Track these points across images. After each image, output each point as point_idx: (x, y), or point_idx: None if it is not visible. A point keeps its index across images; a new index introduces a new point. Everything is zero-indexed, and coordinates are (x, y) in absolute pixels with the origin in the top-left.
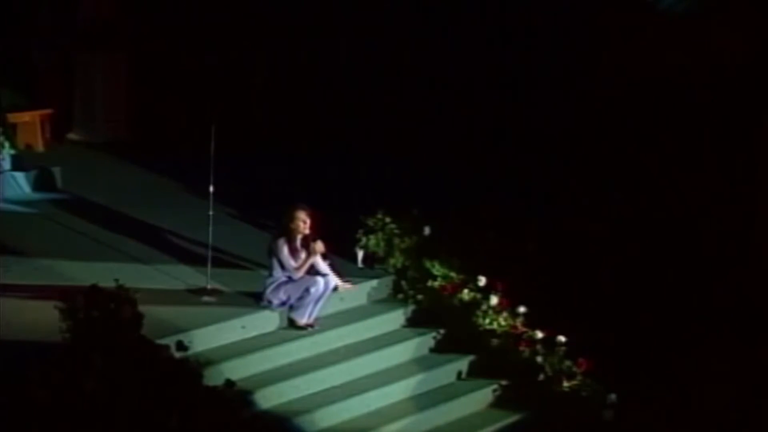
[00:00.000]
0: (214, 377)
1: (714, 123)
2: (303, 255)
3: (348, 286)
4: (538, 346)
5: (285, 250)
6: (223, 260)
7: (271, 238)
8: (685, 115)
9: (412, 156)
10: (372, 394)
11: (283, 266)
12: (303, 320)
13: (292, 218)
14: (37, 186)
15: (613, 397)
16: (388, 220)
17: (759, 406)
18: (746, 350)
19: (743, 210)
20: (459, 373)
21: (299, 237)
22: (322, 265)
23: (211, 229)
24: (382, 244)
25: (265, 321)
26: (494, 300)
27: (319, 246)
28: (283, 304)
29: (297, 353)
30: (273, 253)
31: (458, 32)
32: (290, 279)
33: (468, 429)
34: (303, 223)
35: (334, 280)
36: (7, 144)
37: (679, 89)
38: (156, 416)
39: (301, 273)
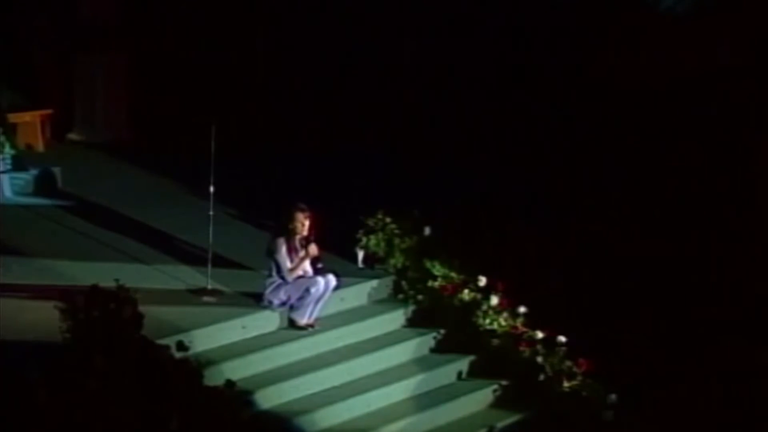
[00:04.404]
0: (214, 377)
1: (714, 122)
2: (301, 255)
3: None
4: (539, 347)
5: (283, 250)
6: (223, 260)
7: (270, 237)
8: (686, 114)
9: (412, 156)
10: (372, 394)
11: (279, 267)
12: (303, 320)
13: (290, 219)
14: (37, 186)
15: (613, 397)
16: (388, 220)
17: (760, 406)
18: (747, 349)
19: (744, 209)
20: (459, 374)
21: (297, 237)
22: (310, 269)
23: (211, 229)
24: (382, 244)
25: (266, 321)
26: (494, 300)
27: (313, 249)
28: (283, 304)
29: (297, 353)
30: (271, 252)
31: (459, 32)
32: (285, 280)
33: (468, 429)
34: (301, 224)
35: (333, 279)
36: (7, 144)
37: (679, 89)
38: (156, 416)
39: (294, 275)
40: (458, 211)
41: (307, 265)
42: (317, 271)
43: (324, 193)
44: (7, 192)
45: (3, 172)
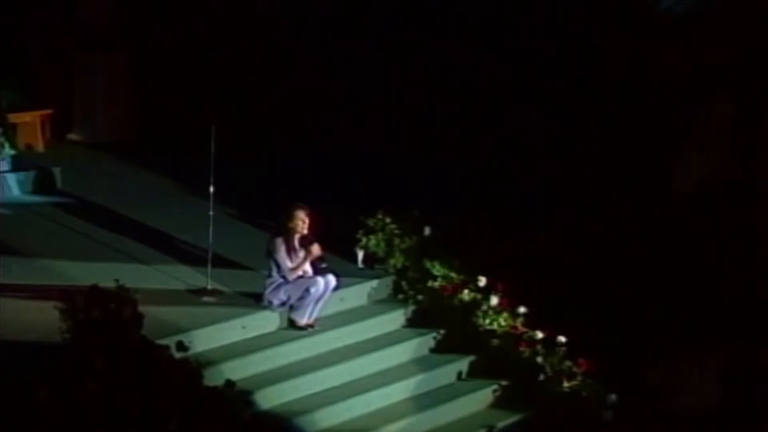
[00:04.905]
0: (214, 377)
1: (714, 122)
2: (301, 255)
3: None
4: (539, 347)
5: (282, 250)
6: (223, 260)
7: (269, 237)
8: (686, 114)
9: (412, 156)
10: (372, 394)
11: (279, 267)
12: (303, 320)
13: (290, 218)
14: (37, 186)
15: (613, 397)
16: (388, 220)
17: (759, 406)
18: (747, 350)
19: (744, 209)
20: (459, 374)
21: (297, 237)
22: (310, 269)
23: (211, 229)
24: (382, 244)
25: (266, 321)
26: (494, 300)
27: (316, 249)
28: (283, 304)
29: (297, 353)
30: (270, 252)
31: (459, 31)
32: (286, 279)
33: (468, 429)
34: (302, 222)
35: (333, 280)
36: (7, 144)
37: (679, 89)
38: (156, 416)
39: (296, 274)
40: (458, 211)
41: (306, 265)
42: (320, 271)
43: (324, 193)
44: (16, 191)
45: (3, 172)
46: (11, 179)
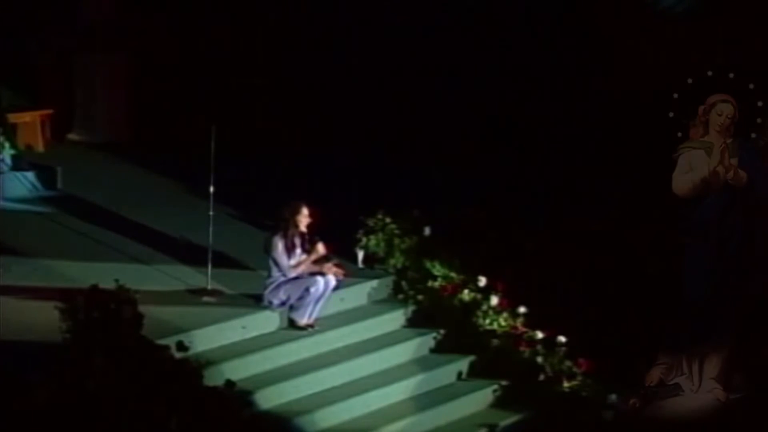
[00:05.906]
0: (214, 377)
1: (714, 122)
2: (299, 252)
3: (337, 269)
4: (539, 347)
5: (280, 247)
6: (223, 260)
7: (266, 236)
8: (685, 114)
9: (412, 156)
10: (372, 394)
11: (278, 265)
12: (303, 320)
13: (293, 213)
14: (37, 186)
15: (613, 397)
16: (388, 220)
17: (759, 405)
18: (747, 349)
19: (744, 210)
20: (459, 374)
21: (296, 235)
22: (313, 268)
23: (211, 229)
24: (382, 244)
25: (266, 321)
26: (494, 300)
27: (321, 248)
28: (283, 304)
29: (297, 353)
30: (268, 251)
31: (458, 33)
32: (287, 278)
33: (468, 429)
34: (304, 218)
35: (333, 279)
36: (7, 144)
37: (678, 89)
38: (156, 416)
39: (296, 272)
40: (458, 211)
41: (308, 264)
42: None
43: (324, 193)
44: (16, 190)
45: (3, 172)
46: (11, 179)
